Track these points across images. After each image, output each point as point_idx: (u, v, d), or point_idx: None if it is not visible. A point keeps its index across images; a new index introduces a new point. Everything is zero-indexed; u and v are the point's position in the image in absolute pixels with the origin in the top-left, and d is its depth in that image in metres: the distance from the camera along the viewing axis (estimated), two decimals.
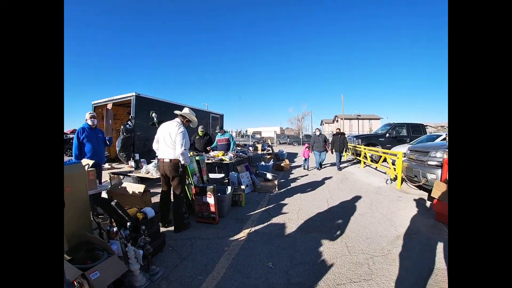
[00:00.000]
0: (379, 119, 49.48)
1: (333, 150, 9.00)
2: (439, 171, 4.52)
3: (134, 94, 6.38)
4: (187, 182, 3.90)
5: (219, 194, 3.96)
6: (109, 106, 6.87)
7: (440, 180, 4.07)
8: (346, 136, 9.21)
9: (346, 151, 9.60)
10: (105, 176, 5.10)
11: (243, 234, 3.27)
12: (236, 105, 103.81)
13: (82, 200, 2.54)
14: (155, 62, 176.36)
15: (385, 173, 7.34)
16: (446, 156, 4.48)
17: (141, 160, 4.89)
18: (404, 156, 6.12)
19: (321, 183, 6.66)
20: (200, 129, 6.77)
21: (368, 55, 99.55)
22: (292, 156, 13.92)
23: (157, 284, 2.25)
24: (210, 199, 3.60)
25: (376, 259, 2.56)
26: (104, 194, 4.25)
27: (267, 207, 4.43)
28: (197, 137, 6.87)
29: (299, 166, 9.87)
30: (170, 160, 3.31)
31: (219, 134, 7.09)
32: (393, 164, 6.46)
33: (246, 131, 44.11)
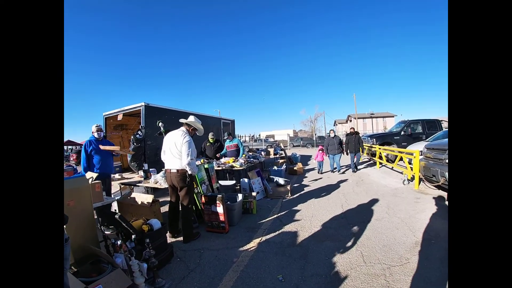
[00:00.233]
0: (393, 116, 48.25)
1: (348, 151, 8.57)
2: None
3: (143, 104, 6.45)
4: (196, 191, 3.85)
5: (228, 203, 3.89)
6: (120, 117, 7.00)
7: None
8: (360, 135, 8.85)
9: (362, 151, 9.01)
10: (117, 186, 5.16)
11: (253, 244, 3.17)
12: (249, 110, 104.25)
13: (86, 213, 2.55)
14: (167, 72, 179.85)
15: (401, 173, 7.04)
16: None
17: (151, 170, 4.89)
18: (421, 155, 5.84)
19: (335, 186, 6.46)
20: (210, 136, 6.76)
21: (379, 51, 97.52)
22: (305, 159, 13.68)
23: None
24: (219, 208, 3.52)
25: (393, 269, 2.39)
26: (115, 205, 4.29)
27: (279, 214, 4.31)
28: (208, 144, 6.86)
29: (313, 169, 9.65)
30: (177, 170, 3.27)
31: (227, 140, 7.04)
32: (410, 163, 6.18)
33: (260, 135, 44.16)
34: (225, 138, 7.22)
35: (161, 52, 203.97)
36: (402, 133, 10.69)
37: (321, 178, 7.75)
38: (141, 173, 4.92)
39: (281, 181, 5.96)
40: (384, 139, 10.76)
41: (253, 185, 5.44)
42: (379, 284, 2.18)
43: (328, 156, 8.64)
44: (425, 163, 5.34)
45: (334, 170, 8.65)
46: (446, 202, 4.31)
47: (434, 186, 5.07)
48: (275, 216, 4.24)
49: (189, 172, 3.25)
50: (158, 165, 5.65)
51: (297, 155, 11.29)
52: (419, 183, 5.59)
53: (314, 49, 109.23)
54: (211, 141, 6.81)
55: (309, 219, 3.99)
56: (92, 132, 4.15)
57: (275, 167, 8.08)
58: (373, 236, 3.18)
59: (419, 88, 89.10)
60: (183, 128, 3.43)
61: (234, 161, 6.09)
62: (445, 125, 11.47)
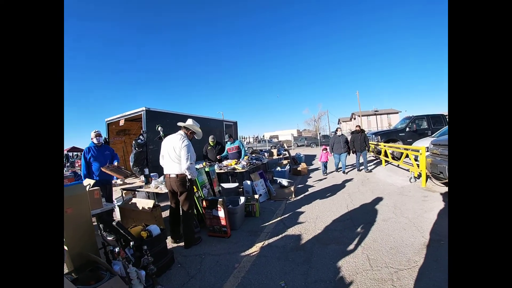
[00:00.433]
0: (397, 113, 47.65)
1: (354, 150, 8.22)
2: None
3: (144, 108, 6.42)
4: (196, 195, 3.79)
5: (230, 206, 3.82)
6: (122, 122, 6.98)
7: None
8: (366, 133, 8.61)
9: (369, 150, 8.66)
10: (118, 192, 5.13)
11: (255, 248, 3.09)
12: (253, 111, 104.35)
13: (84, 220, 2.51)
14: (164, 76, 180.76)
15: (408, 170, 6.88)
16: None
17: (152, 174, 4.84)
18: (427, 151, 5.69)
19: (340, 186, 6.34)
20: (210, 139, 6.71)
21: (382, 47, 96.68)
22: (310, 159, 13.52)
23: None
24: (221, 212, 3.45)
25: (401, 273, 2.28)
26: (117, 210, 4.25)
27: (282, 217, 4.22)
28: (209, 147, 6.81)
29: (318, 169, 9.48)
30: (177, 175, 3.20)
31: (228, 142, 6.97)
32: (416, 160, 6.03)
33: (263, 136, 44.07)
34: (226, 140, 7.16)
35: (162, 55, 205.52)
36: (407, 129, 10.47)
37: (325, 178, 7.63)
38: (142, 178, 4.87)
39: (284, 182, 5.87)
40: (389, 136, 10.56)
41: (256, 187, 5.36)
42: None
43: (333, 155, 8.38)
44: (432, 160, 5.19)
45: (339, 170, 8.48)
46: None
47: (441, 183, 4.93)
48: (279, 218, 4.15)
49: (189, 177, 3.19)
50: (160, 169, 5.61)
51: (301, 155, 11.17)
52: (426, 180, 5.44)
53: (315, 48, 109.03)
54: (212, 144, 6.76)
55: (314, 221, 3.89)
56: (91, 138, 4.11)
57: (279, 168, 7.99)
58: (380, 238, 3.07)
59: (423, 82, 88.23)
60: (181, 132, 3.36)
61: (236, 163, 6.02)
62: None
